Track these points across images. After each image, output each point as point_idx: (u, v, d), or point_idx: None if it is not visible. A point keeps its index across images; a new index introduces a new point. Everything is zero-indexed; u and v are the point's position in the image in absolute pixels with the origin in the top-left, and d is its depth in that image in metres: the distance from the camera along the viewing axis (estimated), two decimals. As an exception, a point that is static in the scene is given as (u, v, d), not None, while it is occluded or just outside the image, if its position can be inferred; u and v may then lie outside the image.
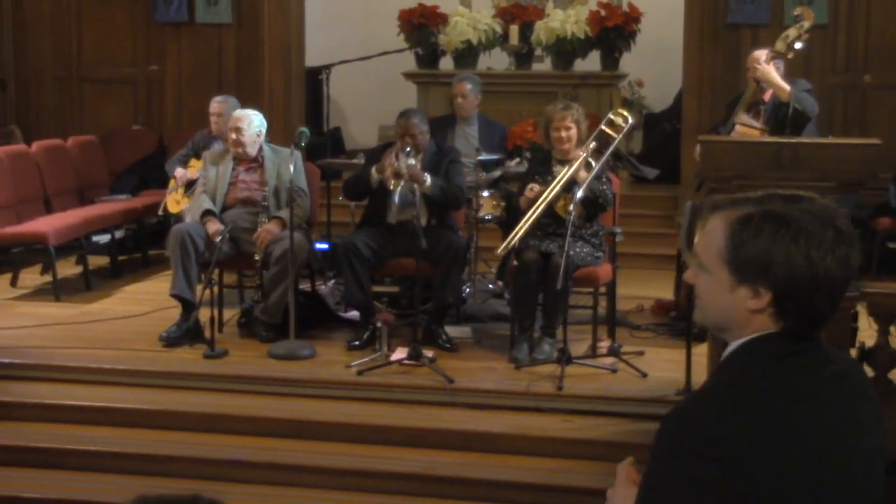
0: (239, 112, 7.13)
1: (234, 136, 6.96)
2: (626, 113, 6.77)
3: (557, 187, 6.43)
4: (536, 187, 6.49)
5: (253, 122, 6.99)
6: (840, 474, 1.99)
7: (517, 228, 6.39)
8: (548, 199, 6.43)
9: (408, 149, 6.62)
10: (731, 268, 2.06)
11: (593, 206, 6.45)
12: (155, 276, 8.70)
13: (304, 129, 6.83)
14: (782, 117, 6.80)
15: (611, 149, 6.53)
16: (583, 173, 6.37)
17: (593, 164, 6.42)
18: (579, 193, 6.21)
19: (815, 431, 1.98)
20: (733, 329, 2.09)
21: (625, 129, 6.61)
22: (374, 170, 6.69)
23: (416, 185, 6.55)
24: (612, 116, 6.70)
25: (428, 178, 6.61)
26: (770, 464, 1.92)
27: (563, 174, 6.45)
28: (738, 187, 5.15)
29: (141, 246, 9.24)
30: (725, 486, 1.91)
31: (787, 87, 6.67)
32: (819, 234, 2.00)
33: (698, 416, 2.00)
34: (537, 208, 6.40)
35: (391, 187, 6.49)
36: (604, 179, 6.52)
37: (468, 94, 8.01)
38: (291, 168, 6.68)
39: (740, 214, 2.05)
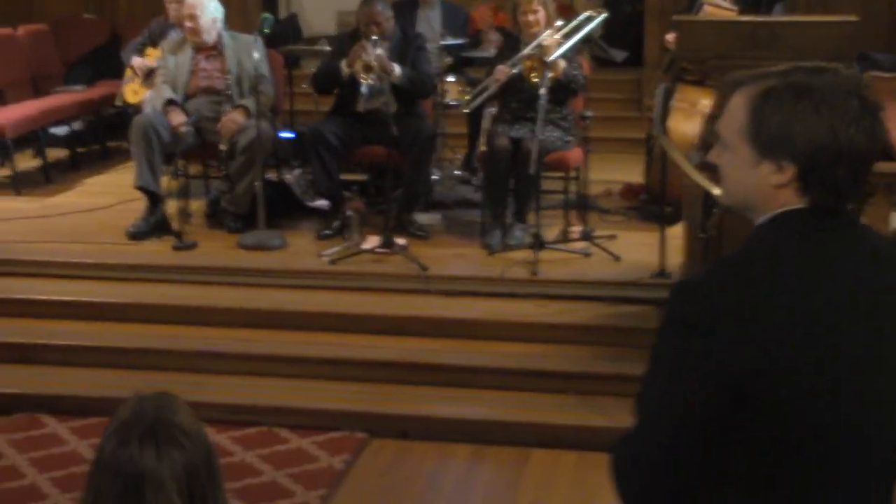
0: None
1: (189, 23, 6.78)
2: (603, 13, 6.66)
3: (526, 51, 6.33)
4: (505, 68, 6.40)
5: (207, 8, 6.80)
6: (864, 358, 1.94)
7: (481, 87, 6.32)
8: (515, 61, 6.34)
9: (374, 37, 6.48)
10: (754, 143, 2.01)
11: (565, 90, 6.37)
12: (115, 167, 8.57)
13: (268, 15, 6.69)
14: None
15: (580, 34, 6.42)
16: (552, 41, 6.26)
17: (561, 35, 6.33)
18: (551, 57, 6.12)
19: (837, 310, 1.93)
20: (758, 207, 2.04)
21: (596, 20, 6.50)
22: (343, 64, 6.56)
23: (385, 75, 6.44)
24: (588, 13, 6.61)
25: (397, 68, 6.50)
26: (771, 343, 1.89)
27: (534, 44, 6.34)
28: (715, 67, 5.13)
29: (99, 137, 9.07)
30: (720, 359, 1.89)
31: None
32: (842, 105, 1.95)
33: (702, 286, 1.98)
34: (504, 72, 6.33)
35: (362, 81, 6.37)
36: (574, 63, 6.43)
37: None
38: (256, 55, 6.54)
39: (762, 88, 2.00)
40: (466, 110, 6.47)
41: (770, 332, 1.89)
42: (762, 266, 1.96)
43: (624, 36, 9.91)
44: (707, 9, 6.69)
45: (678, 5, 8.48)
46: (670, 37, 7.08)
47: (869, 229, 2.10)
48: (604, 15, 6.60)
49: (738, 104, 2.03)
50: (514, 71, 6.35)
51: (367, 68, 6.37)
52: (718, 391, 1.89)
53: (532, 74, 6.19)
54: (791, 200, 2.00)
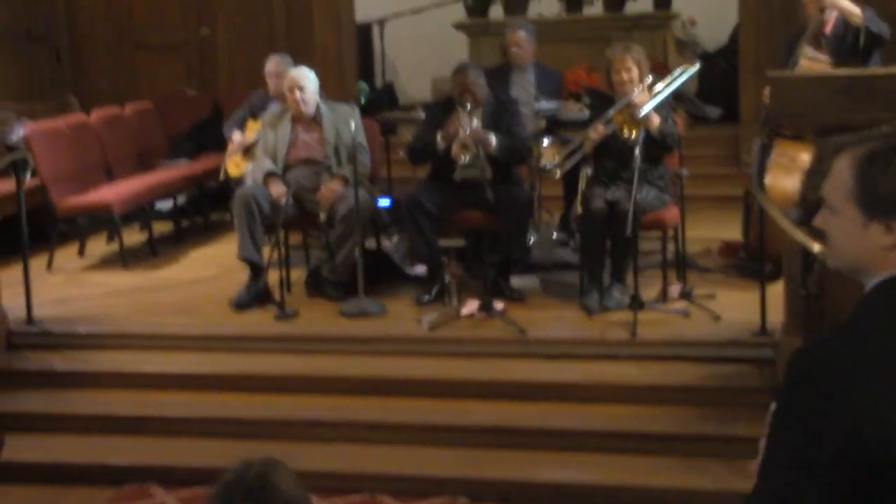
0: (296, 71, 7.10)
1: (297, 94, 6.93)
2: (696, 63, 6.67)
3: (618, 106, 6.35)
4: (601, 127, 6.42)
5: (311, 79, 6.98)
6: None
7: (572, 149, 6.35)
8: (608, 117, 6.36)
9: (468, 105, 6.56)
10: (862, 205, 2.04)
11: (660, 146, 6.37)
12: (218, 239, 8.74)
13: (364, 86, 6.81)
14: (848, 47, 6.69)
15: (671, 88, 6.43)
16: (644, 98, 6.28)
17: (652, 90, 6.35)
18: (643, 110, 6.13)
19: None
20: (869, 269, 2.06)
21: (689, 72, 6.51)
22: (439, 137, 6.64)
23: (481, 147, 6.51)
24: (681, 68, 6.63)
25: (493, 139, 6.54)
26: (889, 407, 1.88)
27: (624, 100, 6.36)
28: (810, 124, 5.09)
29: (202, 210, 9.28)
30: (842, 429, 1.89)
31: (857, 10, 6.54)
32: None
33: (825, 351, 2.00)
34: (601, 125, 6.35)
35: (461, 161, 6.47)
36: (669, 121, 6.43)
37: (523, 43, 7.92)
38: (352, 124, 6.66)
39: (867, 151, 2.03)
40: (557, 177, 6.48)
41: (888, 400, 1.89)
42: (879, 333, 1.97)
43: (719, 93, 9.89)
44: (803, 62, 6.67)
45: (774, 60, 8.49)
46: (766, 91, 7.05)
47: None
48: (696, 66, 6.60)
49: (843, 167, 2.05)
50: (608, 128, 6.35)
51: (464, 147, 6.45)
52: (844, 460, 1.89)
53: (625, 129, 6.20)
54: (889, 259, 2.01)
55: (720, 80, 10.43)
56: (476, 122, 6.55)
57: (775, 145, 6.52)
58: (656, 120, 6.25)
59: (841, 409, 1.90)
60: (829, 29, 6.78)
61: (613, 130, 6.34)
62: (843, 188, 2.06)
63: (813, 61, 6.66)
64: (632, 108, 6.23)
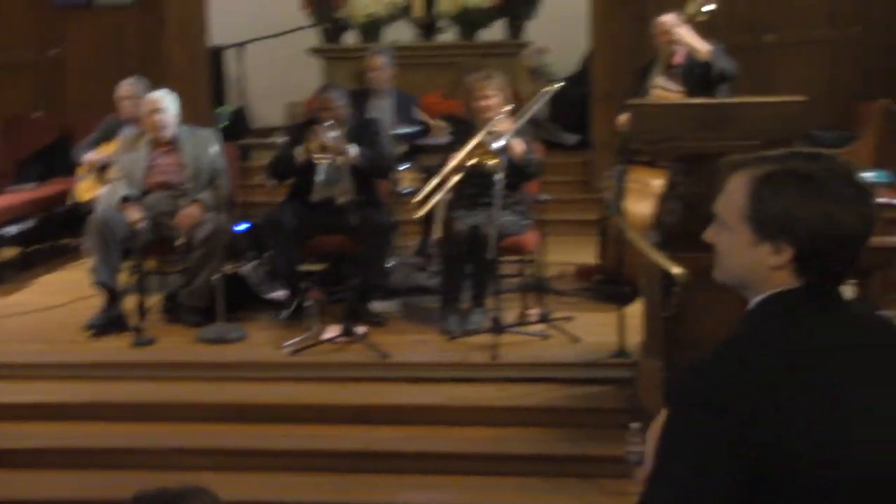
0: (155, 94, 7.00)
1: (156, 117, 6.84)
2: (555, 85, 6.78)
3: (478, 138, 6.41)
4: (460, 156, 6.48)
5: (172, 103, 6.90)
6: (866, 435, 1.99)
7: (432, 189, 6.38)
8: (467, 153, 6.40)
9: (328, 123, 6.58)
10: (753, 225, 2.09)
11: (522, 174, 6.47)
12: (68, 265, 8.55)
13: (224, 109, 6.77)
14: (697, 78, 6.93)
15: (533, 109, 6.55)
16: (505, 123, 6.37)
17: (513, 118, 6.45)
18: (499, 142, 6.21)
19: (837, 388, 2.00)
20: (755, 286, 2.12)
21: (549, 93, 6.63)
22: (298, 150, 6.63)
23: (340, 158, 6.51)
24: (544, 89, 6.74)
25: (353, 149, 6.57)
26: (784, 420, 1.95)
27: (486, 128, 6.42)
28: (668, 149, 5.24)
29: (51, 235, 9.04)
30: (737, 439, 1.94)
31: (705, 46, 6.79)
32: (839, 191, 2.05)
33: (713, 368, 2.04)
34: (455, 167, 6.38)
35: (317, 161, 6.45)
36: (529, 148, 6.53)
37: (381, 67, 7.98)
38: (214, 149, 6.61)
39: (762, 172, 2.09)
40: (419, 214, 6.47)
41: (780, 410, 1.95)
42: (767, 346, 2.03)
43: (573, 119, 10.11)
44: (655, 92, 6.88)
45: (624, 88, 8.71)
46: (622, 118, 7.23)
47: (858, 306, 2.19)
48: (559, 84, 6.71)
49: (738, 186, 2.11)
50: (469, 162, 6.40)
51: (323, 148, 6.45)
52: (740, 469, 1.94)
53: (487, 157, 6.26)
54: (787, 281, 2.08)
55: (571, 107, 10.64)
56: (336, 133, 6.55)
57: (628, 171, 6.70)
58: (519, 147, 6.34)
59: (735, 420, 1.95)
60: (678, 60, 7.01)
61: (476, 162, 6.39)
62: (736, 206, 2.11)
63: (665, 91, 6.88)
64: (493, 136, 6.30)
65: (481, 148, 6.30)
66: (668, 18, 7.07)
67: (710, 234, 2.20)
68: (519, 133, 6.38)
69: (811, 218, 2.04)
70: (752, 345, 2.05)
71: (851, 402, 2.00)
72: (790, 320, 2.06)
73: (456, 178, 6.37)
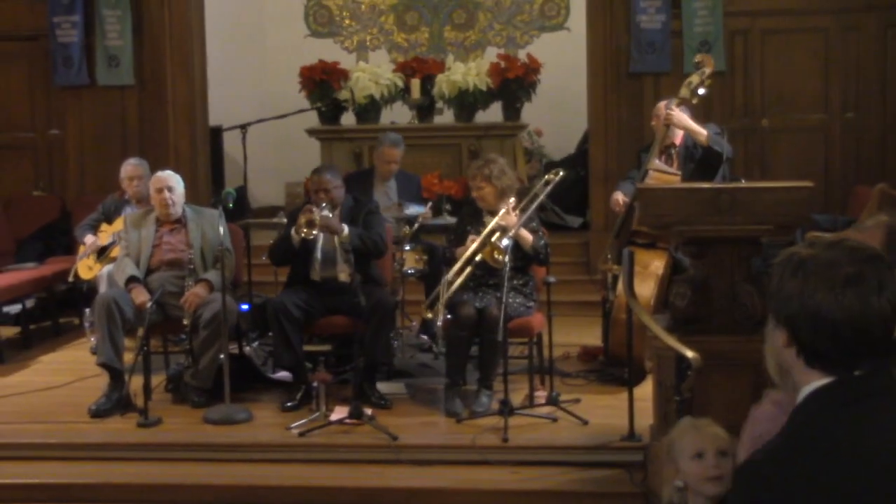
0: (163, 173, 7.05)
1: (166, 195, 6.88)
2: (560, 172, 6.83)
3: (483, 235, 6.46)
4: (477, 238, 6.53)
5: (179, 182, 6.94)
6: None
7: (443, 289, 6.39)
8: (474, 252, 6.45)
9: (323, 204, 6.63)
10: (770, 311, 2.18)
11: (534, 260, 6.53)
12: (68, 344, 8.52)
13: (231, 190, 6.81)
14: (697, 161, 7.02)
15: (538, 199, 6.61)
16: (511, 218, 6.41)
17: (517, 209, 6.50)
18: (506, 240, 6.25)
19: (886, 480, 2.01)
20: (786, 373, 2.17)
21: (554, 181, 6.68)
22: (292, 231, 6.67)
23: (335, 237, 6.54)
24: (546, 177, 6.79)
25: (345, 228, 6.61)
26: None
27: (490, 225, 6.48)
28: (678, 233, 5.28)
29: (51, 314, 9.02)
30: None
31: (703, 130, 6.89)
32: (820, 273, 2.09)
33: (766, 467, 2.07)
34: (463, 265, 6.42)
35: (305, 237, 6.48)
36: (539, 234, 6.59)
37: (399, 160, 8.06)
38: (221, 229, 6.63)
39: (779, 258, 2.16)
40: (439, 321, 6.45)
41: None
42: (808, 445, 2.06)
43: (572, 201, 10.18)
44: (653, 174, 6.94)
45: (622, 169, 8.80)
46: (616, 198, 7.30)
47: None
48: (561, 174, 6.77)
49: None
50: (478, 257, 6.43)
51: (311, 224, 6.48)
52: None
53: (495, 253, 6.30)
54: (795, 362, 2.14)
55: (569, 188, 10.73)
56: (326, 213, 6.58)
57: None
58: (529, 237, 6.40)
59: None
60: (678, 141, 7.10)
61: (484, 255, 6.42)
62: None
63: (661, 173, 6.94)
64: (501, 231, 6.36)
65: (490, 246, 6.34)
66: (665, 103, 7.19)
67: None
68: (526, 221, 6.43)
69: (788, 300, 2.11)
70: (796, 446, 2.08)
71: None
72: (830, 417, 2.08)
73: (464, 275, 6.39)
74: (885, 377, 2.11)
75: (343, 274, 6.49)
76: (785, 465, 2.04)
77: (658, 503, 3.64)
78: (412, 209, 7.77)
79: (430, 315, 6.37)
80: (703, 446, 3.39)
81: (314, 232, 6.52)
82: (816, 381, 2.12)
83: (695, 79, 6.94)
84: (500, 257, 6.21)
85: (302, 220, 6.53)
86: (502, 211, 6.47)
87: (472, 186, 6.72)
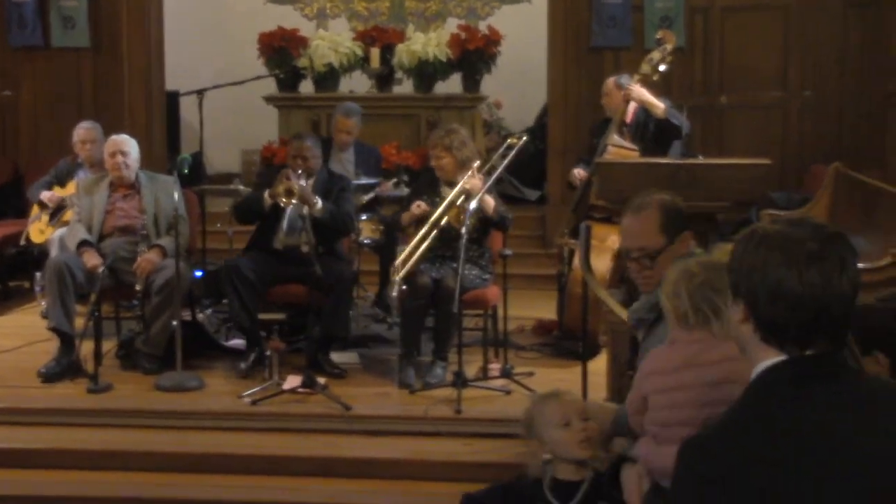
0: (118, 137, 6.97)
1: (119, 159, 6.80)
2: (523, 137, 6.82)
3: (449, 199, 6.43)
4: (423, 204, 6.50)
5: (135, 147, 6.86)
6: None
7: (411, 251, 6.36)
8: (440, 214, 6.41)
9: (299, 171, 6.57)
10: (730, 285, 2.19)
11: (496, 226, 6.52)
12: (18, 308, 8.42)
13: (186, 156, 6.75)
14: (648, 136, 7.04)
15: (504, 163, 6.59)
16: (476, 182, 6.38)
17: (482, 174, 6.48)
18: (474, 203, 6.22)
19: (830, 462, 2.01)
20: (745, 349, 2.18)
21: (517, 147, 6.66)
22: (266, 193, 6.61)
23: (306, 208, 6.48)
24: (509, 141, 6.77)
25: (319, 201, 6.57)
26: (775, 495, 1.99)
27: (458, 188, 6.43)
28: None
29: (1, 277, 8.90)
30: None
31: (661, 104, 6.90)
32: (783, 249, 2.09)
33: (710, 443, 2.09)
34: (430, 228, 6.38)
35: (282, 205, 6.42)
36: (499, 201, 6.57)
37: (353, 130, 8.01)
38: (176, 195, 6.55)
39: (740, 235, 2.16)
40: (397, 280, 6.41)
41: (775, 485, 1.99)
42: (753, 423, 2.07)
43: (530, 174, 10.16)
44: (611, 149, 6.94)
45: (580, 143, 8.80)
46: (575, 173, 7.31)
47: (852, 373, 2.18)
48: (524, 139, 6.76)
49: None
50: (442, 223, 6.40)
51: (289, 192, 6.43)
52: None
53: (460, 216, 6.27)
54: (751, 337, 2.14)
55: (527, 161, 10.71)
56: (304, 183, 6.54)
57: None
58: (492, 202, 6.39)
59: (725, 491, 2.01)
60: (629, 118, 7.11)
61: (446, 224, 6.39)
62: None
63: (620, 148, 6.95)
64: (466, 195, 6.33)
65: (455, 208, 6.32)
66: (620, 78, 7.19)
67: None
68: (489, 188, 6.41)
69: (749, 274, 2.11)
70: (743, 421, 2.09)
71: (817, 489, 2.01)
72: (781, 394, 2.08)
73: (431, 237, 6.36)
74: (834, 360, 2.12)
75: (306, 245, 6.46)
76: (728, 441, 2.06)
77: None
78: (364, 181, 7.72)
79: (397, 278, 6.32)
80: (568, 413, 3.47)
81: (293, 201, 6.46)
82: (769, 360, 2.12)
83: (656, 55, 6.96)
84: (465, 221, 6.17)
85: (280, 188, 6.46)
86: (468, 174, 6.43)
87: (432, 156, 6.70)
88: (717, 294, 3.05)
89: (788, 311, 2.08)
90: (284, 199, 6.42)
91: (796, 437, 2.02)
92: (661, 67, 6.98)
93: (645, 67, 7.00)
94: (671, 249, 3.67)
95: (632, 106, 7.07)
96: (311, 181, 6.69)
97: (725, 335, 2.98)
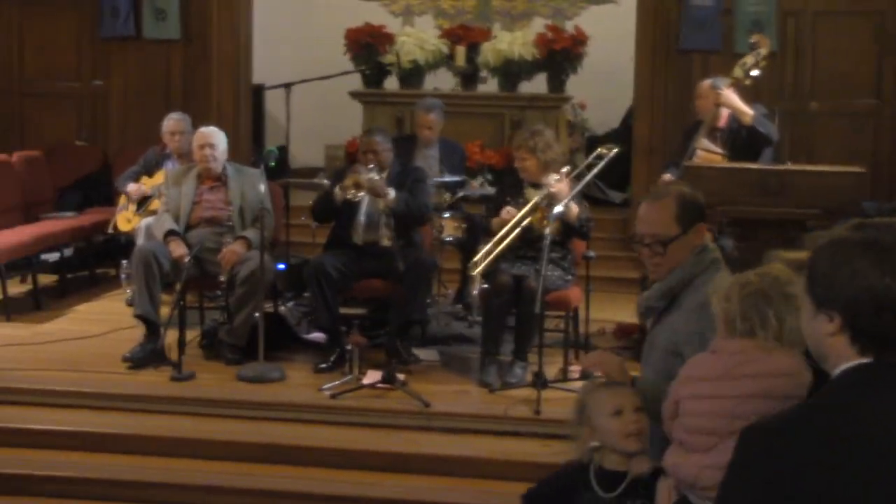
0: (206, 129, 7.05)
1: (207, 151, 6.88)
2: (614, 148, 6.78)
3: (534, 202, 6.42)
4: (512, 210, 6.48)
5: (223, 139, 6.93)
6: None
7: (490, 248, 6.36)
8: (524, 215, 6.40)
9: (370, 165, 6.59)
10: (811, 296, 2.14)
11: (578, 233, 6.48)
12: (104, 295, 8.55)
13: (273, 149, 6.80)
14: (740, 142, 6.93)
15: (593, 171, 6.56)
16: (564, 187, 6.36)
17: (570, 179, 6.46)
18: (558, 208, 6.19)
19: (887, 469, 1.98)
20: (826, 358, 2.15)
21: (608, 156, 6.63)
22: (337, 188, 6.64)
23: (381, 202, 6.50)
24: (600, 150, 6.75)
25: (391, 192, 6.58)
26: (832, 493, 1.96)
27: (544, 192, 6.41)
28: (723, 213, 5.23)
29: (88, 264, 9.04)
30: (793, 497, 1.98)
31: (750, 111, 6.79)
32: (880, 255, 2.05)
33: (774, 429, 2.07)
34: (512, 228, 6.37)
35: (351, 198, 6.44)
36: (584, 205, 6.53)
37: (434, 126, 7.98)
38: (262, 188, 6.61)
39: (818, 246, 2.14)
40: (476, 274, 6.43)
41: (829, 486, 1.96)
42: (826, 420, 2.03)
43: (614, 176, 10.07)
44: (700, 153, 6.86)
45: (666, 146, 8.73)
46: (666, 177, 7.23)
47: None
48: (615, 150, 6.72)
49: (807, 262, 2.15)
50: (524, 223, 6.39)
51: (357, 185, 6.44)
52: None
53: (544, 221, 6.25)
54: (846, 350, 2.09)
55: (611, 163, 10.63)
56: (375, 175, 6.55)
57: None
58: (575, 209, 6.34)
59: (791, 485, 1.98)
60: (723, 123, 7.01)
61: (529, 224, 6.38)
62: (802, 282, 2.17)
63: (708, 153, 6.86)
64: (551, 199, 6.30)
65: (539, 212, 6.30)
66: (709, 82, 7.10)
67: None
68: (575, 194, 6.37)
69: (850, 282, 2.06)
70: (812, 416, 2.07)
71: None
72: (851, 398, 2.05)
73: (511, 237, 6.35)
74: None
75: (385, 238, 6.47)
76: (798, 436, 2.02)
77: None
78: (448, 178, 7.72)
79: (474, 273, 6.31)
80: (622, 403, 3.42)
81: (360, 194, 6.48)
82: (852, 361, 2.09)
83: (749, 59, 6.84)
84: (548, 225, 6.15)
85: (348, 181, 6.49)
86: (555, 178, 6.40)
87: (516, 157, 6.68)
88: (769, 304, 3.02)
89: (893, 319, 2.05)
90: (353, 192, 6.44)
91: (867, 442, 1.98)
92: (754, 72, 6.87)
93: (737, 72, 6.89)
94: (684, 239, 3.66)
95: (725, 111, 6.97)
96: (383, 175, 6.69)
97: (769, 347, 2.98)
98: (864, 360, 2.07)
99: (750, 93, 7.22)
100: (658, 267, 3.71)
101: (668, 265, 3.67)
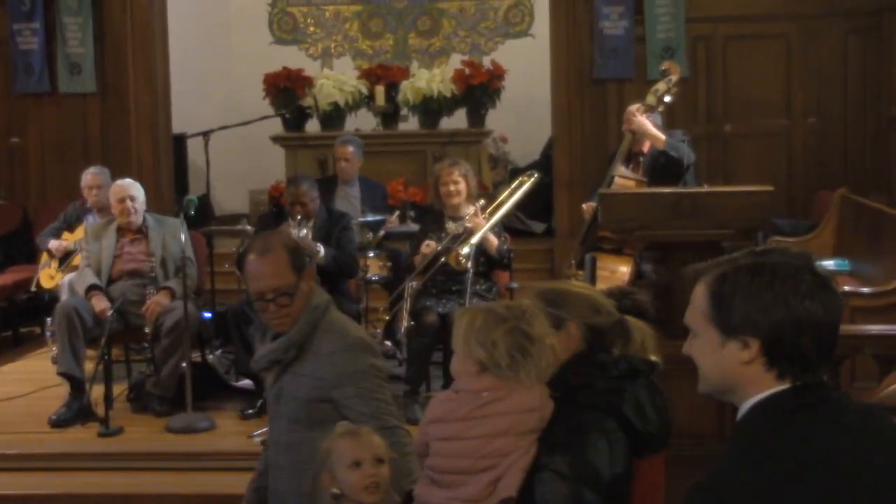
0: (123, 182, 7.02)
1: (128, 204, 6.84)
2: (534, 174, 6.86)
3: (450, 238, 6.47)
4: (432, 243, 6.52)
5: (140, 191, 6.91)
6: None
7: (406, 293, 6.40)
8: (440, 254, 6.45)
9: (298, 217, 6.60)
10: (717, 325, 2.13)
11: (497, 264, 6.53)
12: (29, 354, 8.44)
13: (192, 198, 6.79)
14: (660, 167, 7.03)
15: (512, 201, 6.62)
16: (480, 221, 6.42)
17: (486, 213, 6.51)
18: (475, 239, 6.25)
19: (841, 486, 2.00)
20: (735, 389, 2.14)
21: (528, 183, 6.70)
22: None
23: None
24: (521, 178, 6.82)
25: (321, 249, 6.59)
26: None
27: (458, 227, 6.48)
28: (641, 237, 5.29)
29: (12, 324, 8.93)
30: None
31: (661, 136, 6.90)
32: (795, 279, 2.08)
33: (721, 486, 2.05)
34: (429, 263, 6.42)
35: None
36: (503, 238, 6.59)
37: (351, 158, 8.02)
38: (182, 237, 6.59)
39: (718, 273, 2.14)
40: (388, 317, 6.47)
41: None
42: (768, 461, 2.02)
43: (536, 207, 10.17)
44: (617, 181, 6.95)
45: (586, 175, 8.83)
46: (586, 206, 7.31)
47: (844, 398, 2.19)
48: (535, 177, 6.79)
49: (699, 292, 2.16)
50: (441, 260, 6.44)
51: None
52: None
53: (459, 258, 6.31)
54: (761, 376, 2.10)
55: (533, 194, 10.70)
56: (304, 232, 6.57)
57: (596, 258, 6.75)
58: (495, 241, 6.40)
59: None
60: (646, 148, 7.10)
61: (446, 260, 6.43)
62: (700, 311, 2.16)
63: (625, 179, 6.96)
64: (469, 231, 6.36)
65: (454, 252, 6.35)
66: (633, 107, 7.21)
67: (686, 347, 2.23)
68: (491, 227, 6.43)
69: (769, 307, 2.07)
70: (751, 459, 2.05)
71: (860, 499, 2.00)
72: (782, 426, 2.06)
73: (425, 260, 6.41)
74: (825, 384, 2.13)
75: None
76: (740, 483, 2.02)
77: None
78: (370, 218, 7.75)
79: (386, 317, 6.34)
80: (361, 455, 3.33)
81: None
82: (764, 392, 2.10)
83: (661, 86, 6.97)
84: (464, 261, 6.21)
85: None
86: (470, 213, 6.47)
87: (446, 182, 6.70)
88: (528, 339, 3.00)
89: (815, 342, 2.08)
90: None
91: (810, 466, 2.00)
92: (667, 98, 6.99)
93: (650, 98, 7.01)
94: (301, 286, 3.68)
95: (645, 137, 7.07)
96: (310, 224, 6.70)
97: (513, 384, 2.97)
98: (784, 387, 2.09)
99: (665, 118, 7.35)
100: (285, 318, 3.66)
101: (294, 315, 3.65)
